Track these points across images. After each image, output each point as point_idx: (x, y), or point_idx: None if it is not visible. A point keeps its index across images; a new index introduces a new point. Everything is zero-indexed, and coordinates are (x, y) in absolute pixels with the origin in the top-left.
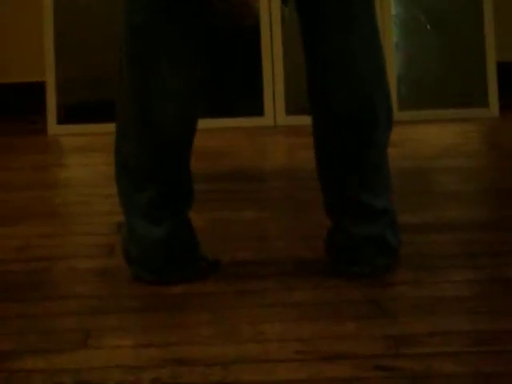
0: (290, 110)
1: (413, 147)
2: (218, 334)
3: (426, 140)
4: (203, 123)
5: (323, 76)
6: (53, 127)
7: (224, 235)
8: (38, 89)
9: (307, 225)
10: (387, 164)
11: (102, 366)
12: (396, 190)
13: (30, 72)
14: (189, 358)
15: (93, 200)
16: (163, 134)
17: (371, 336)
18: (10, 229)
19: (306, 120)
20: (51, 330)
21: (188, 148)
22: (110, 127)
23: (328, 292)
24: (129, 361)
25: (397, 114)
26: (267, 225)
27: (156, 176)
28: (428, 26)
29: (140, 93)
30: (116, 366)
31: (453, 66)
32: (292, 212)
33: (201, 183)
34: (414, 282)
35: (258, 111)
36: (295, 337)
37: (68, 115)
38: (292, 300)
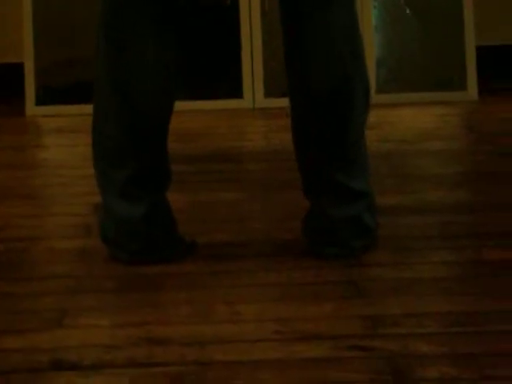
0: (269, 92)
1: (391, 130)
2: (195, 313)
3: (405, 123)
4: (183, 105)
5: (302, 60)
6: (31, 108)
7: (202, 216)
8: (17, 70)
9: (285, 206)
10: (365, 146)
11: (79, 345)
12: (373, 172)
13: (8, 53)
14: (165, 337)
15: (71, 181)
16: (139, 111)
17: (348, 316)
18: None
19: (284, 102)
20: (28, 310)
21: (165, 126)
22: (89, 108)
23: (305, 273)
24: (105, 340)
25: (375, 97)
26: (245, 206)
27: (133, 154)
28: (407, 10)
29: (116, 67)
30: (92, 345)
31: (432, 49)
32: (270, 193)
33: (180, 164)
34: (391, 263)
35: (237, 93)
36: (272, 317)
37: (46, 96)
38: (269, 281)
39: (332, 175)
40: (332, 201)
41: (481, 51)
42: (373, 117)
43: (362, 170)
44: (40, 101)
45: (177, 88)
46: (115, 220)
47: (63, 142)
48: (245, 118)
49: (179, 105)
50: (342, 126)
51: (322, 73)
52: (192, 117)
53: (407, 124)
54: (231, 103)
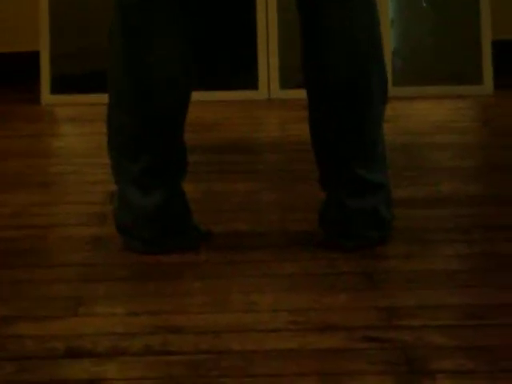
0: (284, 83)
1: (406, 123)
2: (210, 303)
3: (420, 116)
4: (197, 95)
5: (321, 52)
6: (46, 97)
7: (217, 207)
8: (33, 59)
9: (301, 197)
10: (383, 139)
11: (94, 333)
12: (389, 164)
13: (24, 42)
14: (180, 326)
15: (86, 169)
16: (156, 105)
17: (363, 307)
18: (3, 196)
19: (300, 94)
20: (43, 297)
21: (181, 119)
22: (104, 98)
23: (321, 264)
24: (120, 328)
25: (391, 90)
26: (260, 197)
27: (149, 146)
28: (424, 3)
29: (133, 65)
30: (107, 332)
31: (448, 42)
32: (285, 184)
33: (195, 155)
34: (406, 255)
35: (253, 85)
36: (287, 307)
37: (62, 85)
38: (284, 271)
39: (350, 168)
40: (349, 193)
41: (497, 45)
42: (388, 110)
43: (380, 162)
44: (55, 89)
45: (193, 79)
46: (130, 209)
47: (78, 130)
48: (260, 109)
49: (194, 95)
50: (361, 123)
51: (341, 69)
52: (206, 107)
53: (422, 117)
54: (246, 94)
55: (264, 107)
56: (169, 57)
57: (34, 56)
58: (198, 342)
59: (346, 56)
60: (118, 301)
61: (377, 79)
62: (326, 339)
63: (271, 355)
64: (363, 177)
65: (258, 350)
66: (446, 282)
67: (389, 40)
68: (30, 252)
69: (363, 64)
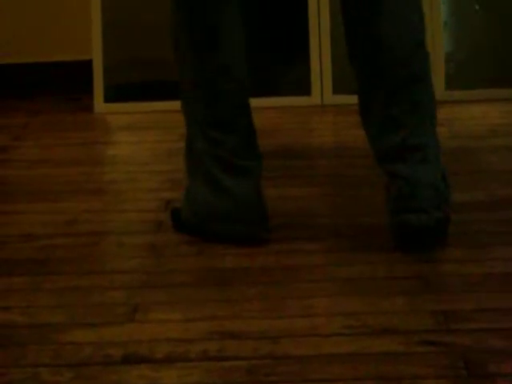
0: (337, 89)
1: (461, 126)
2: (267, 308)
3: (474, 119)
4: (251, 102)
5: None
6: (99, 105)
7: (271, 212)
8: (86, 67)
9: (354, 202)
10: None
11: (151, 339)
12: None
13: (77, 50)
14: (237, 331)
15: (140, 177)
16: (225, 104)
17: (420, 311)
18: (58, 204)
19: (352, 99)
20: (100, 304)
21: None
22: (157, 106)
23: (376, 268)
24: (177, 334)
25: (445, 94)
26: (314, 202)
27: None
28: (476, 6)
29: (199, 70)
30: (164, 339)
31: (501, 45)
32: (339, 189)
33: None
34: (462, 259)
35: (305, 90)
36: (343, 311)
37: (115, 94)
38: (340, 275)
39: (404, 139)
40: (404, 162)
41: None
42: (443, 114)
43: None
44: (108, 98)
45: (249, 84)
46: (200, 205)
47: (131, 138)
48: (313, 114)
49: None
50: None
51: (396, 41)
52: (259, 114)
53: (477, 121)
54: (299, 100)
55: (317, 113)
56: (230, 59)
57: (87, 65)
58: (255, 347)
59: (399, 31)
60: (175, 307)
61: (427, 56)
62: (383, 343)
63: (328, 360)
64: (415, 144)
65: (315, 354)
66: (504, 286)
67: (442, 43)
68: (85, 259)
69: (417, 38)
